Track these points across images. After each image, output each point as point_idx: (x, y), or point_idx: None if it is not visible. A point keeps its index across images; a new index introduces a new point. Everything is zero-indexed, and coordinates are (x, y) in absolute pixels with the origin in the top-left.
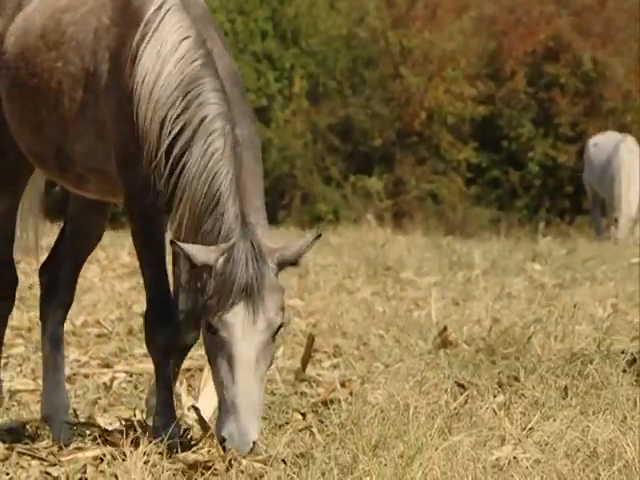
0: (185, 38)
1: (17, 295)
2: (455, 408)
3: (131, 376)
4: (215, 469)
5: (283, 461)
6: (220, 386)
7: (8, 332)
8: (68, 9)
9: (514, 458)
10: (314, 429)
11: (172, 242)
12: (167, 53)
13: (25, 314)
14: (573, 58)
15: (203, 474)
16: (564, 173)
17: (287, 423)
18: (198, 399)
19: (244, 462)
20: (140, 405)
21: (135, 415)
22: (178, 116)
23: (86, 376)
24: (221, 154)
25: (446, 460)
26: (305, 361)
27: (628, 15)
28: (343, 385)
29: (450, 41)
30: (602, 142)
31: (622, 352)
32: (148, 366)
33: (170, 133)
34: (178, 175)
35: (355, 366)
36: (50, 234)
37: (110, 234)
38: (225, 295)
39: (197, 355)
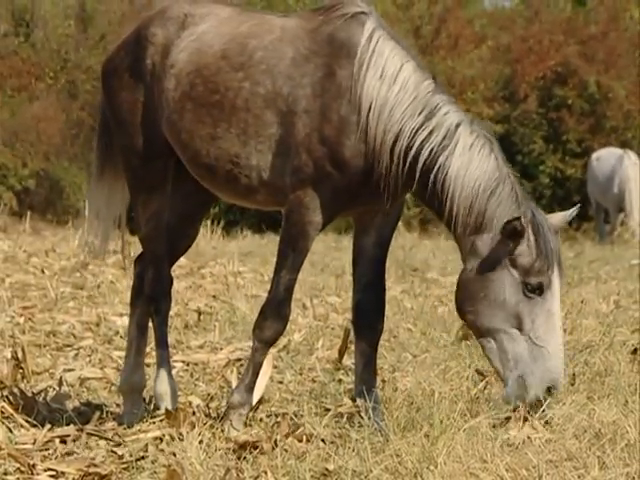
0: (406, 62)
1: (85, 293)
2: (475, 393)
3: (187, 365)
4: (262, 448)
5: (322, 441)
6: (529, 340)
7: (79, 326)
8: (252, 36)
9: (527, 437)
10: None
11: (514, 220)
12: (390, 76)
13: (94, 310)
14: (579, 82)
15: (252, 452)
16: (572, 184)
17: (327, 408)
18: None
19: (287, 441)
20: (196, 391)
21: (192, 400)
22: (421, 125)
23: (147, 365)
24: (482, 146)
25: (467, 440)
26: (342, 352)
27: (629, 43)
28: (375, 373)
29: (470, 68)
30: (603, 156)
31: (624, 343)
32: (203, 356)
33: (413, 142)
34: (435, 174)
35: (386, 356)
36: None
37: None
38: (546, 257)
39: (247, 347)
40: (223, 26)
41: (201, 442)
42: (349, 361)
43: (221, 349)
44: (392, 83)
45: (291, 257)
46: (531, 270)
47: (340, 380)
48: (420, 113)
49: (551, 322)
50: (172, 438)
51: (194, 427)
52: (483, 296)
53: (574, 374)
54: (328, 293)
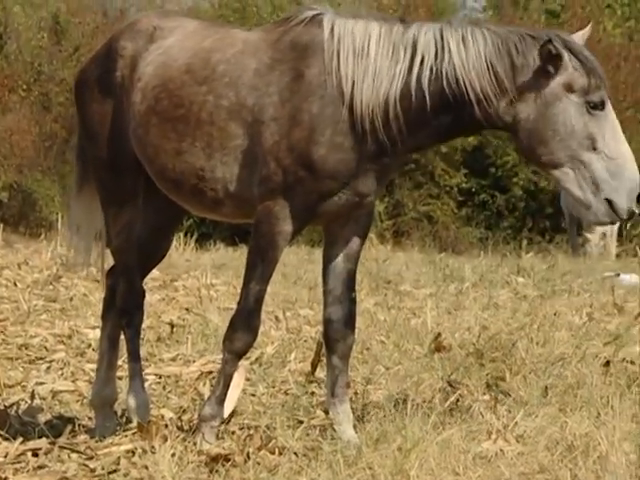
0: (371, 25)
1: (58, 306)
2: (448, 406)
3: (160, 378)
4: (235, 461)
5: (295, 453)
6: (605, 157)
7: (51, 339)
8: (215, 50)
9: (500, 450)
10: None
11: (549, 42)
12: (361, 47)
13: (66, 323)
14: None
15: (224, 465)
16: (545, 196)
17: (300, 420)
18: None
19: (260, 453)
20: (168, 404)
21: (164, 413)
22: (411, 59)
23: (120, 378)
24: (472, 34)
25: (440, 452)
26: (314, 364)
27: (602, 55)
28: (348, 386)
29: None
30: None
31: (597, 356)
32: (175, 369)
33: (410, 78)
34: (448, 84)
35: (359, 368)
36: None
37: None
38: (595, 70)
39: (219, 359)
40: (188, 40)
41: (173, 455)
42: (322, 373)
43: (194, 362)
44: (366, 49)
45: (260, 268)
46: (589, 88)
47: (313, 393)
48: (405, 54)
49: (617, 132)
50: (144, 451)
51: (166, 440)
52: (552, 133)
53: (546, 387)
54: (301, 306)
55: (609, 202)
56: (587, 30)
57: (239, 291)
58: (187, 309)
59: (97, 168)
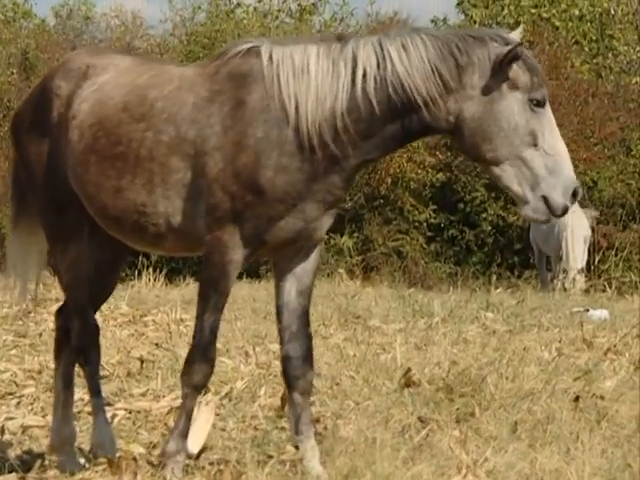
0: (309, 46)
1: (27, 341)
2: (417, 441)
3: (130, 413)
4: None
5: None
6: (544, 154)
7: (21, 374)
8: (152, 86)
9: None
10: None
11: (517, 46)
12: (301, 67)
13: (36, 358)
14: None
15: None
16: (513, 232)
17: (270, 456)
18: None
19: None
20: (138, 439)
21: (134, 449)
22: (352, 72)
23: (89, 414)
24: (411, 39)
25: None
26: (284, 399)
27: (569, 92)
28: (318, 421)
29: None
30: None
31: (566, 391)
32: (145, 404)
33: (355, 90)
34: (394, 90)
35: (329, 404)
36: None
37: None
38: (536, 68)
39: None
40: (122, 77)
41: None
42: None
43: (163, 397)
44: (306, 69)
45: (214, 299)
46: (533, 85)
47: (283, 428)
48: (345, 68)
49: (555, 130)
50: None
51: (136, 475)
52: (498, 129)
53: (516, 422)
54: (270, 340)
55: (545, 199)
56: (520, 30)
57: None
58: (157, 344)
59: (40, 206)
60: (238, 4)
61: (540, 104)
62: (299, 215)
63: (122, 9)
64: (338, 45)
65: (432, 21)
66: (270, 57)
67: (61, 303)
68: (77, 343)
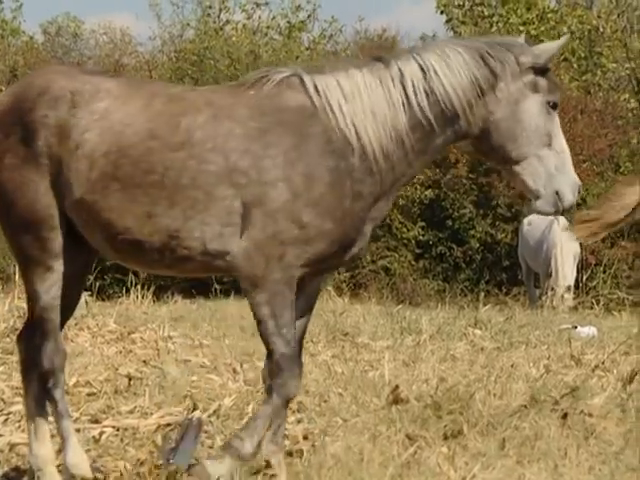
0: (350, 70)
1: (15, 358)
2: (405, 458)
3: (117, 430)
4: None
5: None
6: (556, 154)
7: (8, 391)
8: (177, 114)
9: None
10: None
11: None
12: (350, 92)
13: None
14: None
15: None
16: (502, 249)
17: (258, 471)
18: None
19: None
20: (126, 457)
21: (121, 466)
22: (403, 88)
23: (78, 430)
24: (453, 51)
25: None
26: None
27: (558, 109)
28: (306, 438)
29: None
30: (535, 221)
31: (554, 408)
32: (133, 421)
33: (409, 101)
34: (438, 99)
35: (317, 421)
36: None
37: (99, 304)
38: (554, 77)
39: (176, 411)
40: (128, 104)
41: None
42: None
43: (151, 414)
44: (357, 92)
45: (284, 314)
46: (550, 87)
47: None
48: (394, 83)
49: (561, 132)
50: None
51: None
52: (521, 129)
53: (504, 439)
54: (258, 358)
55: (557, 194)
56: (564, 39)
57: (196, 343)
58: (145, 361)
59: (15, 232)
60: (227, 21)
61: (555, 106)
62: (361, 237)
63: (111, 26)
64: (380, 64)
65: (421, 38)
66: (315, 87)
67: (20, 328)
68: (49, 366)
